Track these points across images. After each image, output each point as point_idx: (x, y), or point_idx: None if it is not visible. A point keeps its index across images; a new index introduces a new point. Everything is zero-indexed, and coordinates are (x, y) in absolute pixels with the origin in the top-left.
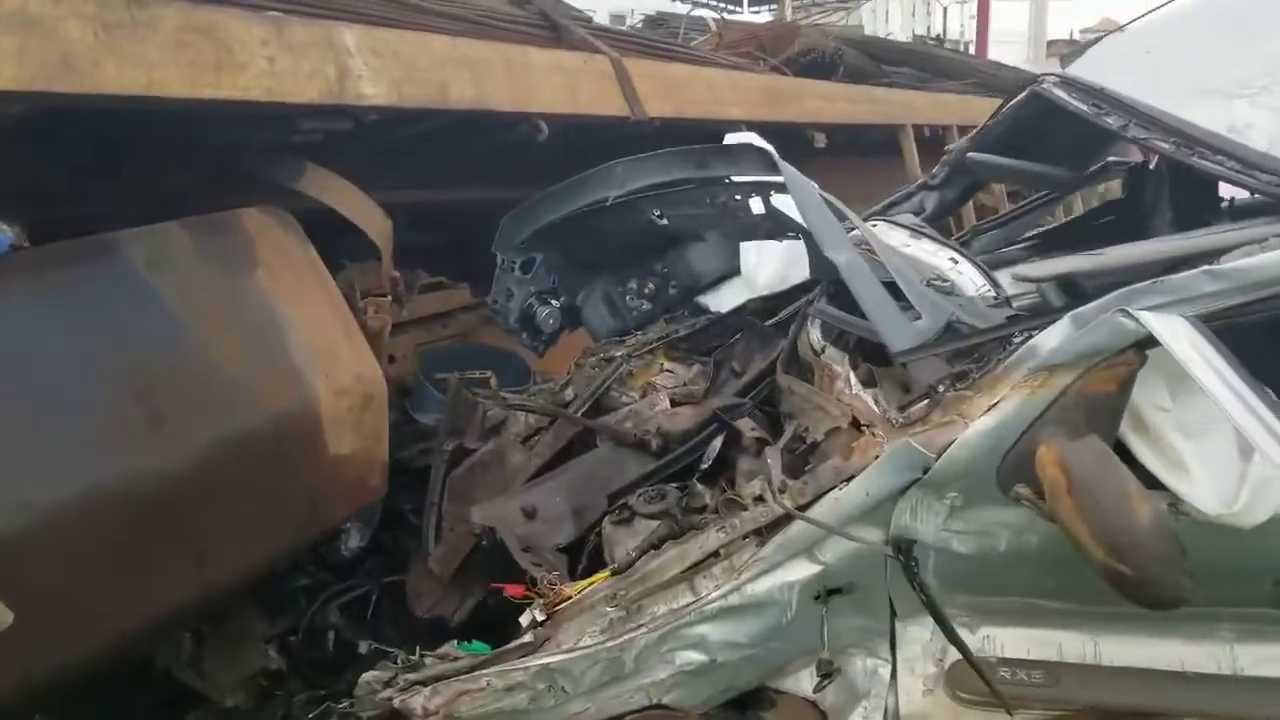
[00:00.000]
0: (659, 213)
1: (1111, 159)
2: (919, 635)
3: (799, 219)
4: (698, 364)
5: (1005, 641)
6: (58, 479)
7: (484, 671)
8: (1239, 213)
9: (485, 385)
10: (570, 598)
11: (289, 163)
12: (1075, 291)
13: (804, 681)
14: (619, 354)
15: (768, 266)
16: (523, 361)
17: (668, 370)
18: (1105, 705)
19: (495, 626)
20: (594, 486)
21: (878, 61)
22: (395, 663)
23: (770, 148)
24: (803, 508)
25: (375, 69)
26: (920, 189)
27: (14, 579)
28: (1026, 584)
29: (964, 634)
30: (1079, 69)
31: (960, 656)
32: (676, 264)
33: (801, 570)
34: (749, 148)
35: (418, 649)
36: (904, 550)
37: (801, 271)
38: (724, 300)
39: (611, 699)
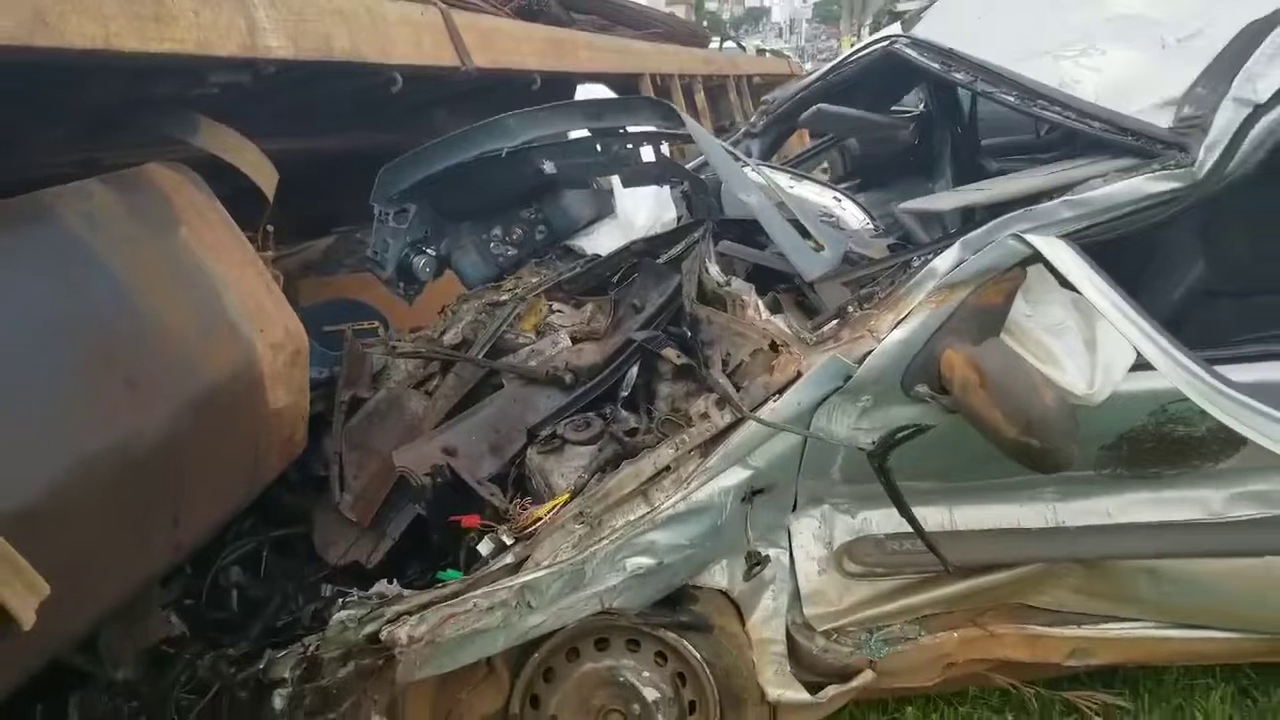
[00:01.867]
0: (548, 163)
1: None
2: (809, 524)
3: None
4: (588, 303)
5: (877, 521)
6: (61, 449)
7: (471, 594)
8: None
9: (374, 335)
10: (539, 519)
11: (185, 117)
12: (968, 220)
13: (717, 575)
14: (504, 298)
15: (644, 210)
16: (376, 310)
17: (557, 310)
18: (967, 562)
19: (406, 565)
20: (509, 423)
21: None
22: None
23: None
24: (739, 421)
25: (275, 21)
26: (744, 136)
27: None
28: (908, 468)
29: (845, 519)
30: (919, 31)
31: (845, 539)
32: (553, 210)
33: (736, 476)
34: (647, 100)
35: (394, 585)
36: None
37: (670, 214)
38: (599, 243)
39: (566, 609)
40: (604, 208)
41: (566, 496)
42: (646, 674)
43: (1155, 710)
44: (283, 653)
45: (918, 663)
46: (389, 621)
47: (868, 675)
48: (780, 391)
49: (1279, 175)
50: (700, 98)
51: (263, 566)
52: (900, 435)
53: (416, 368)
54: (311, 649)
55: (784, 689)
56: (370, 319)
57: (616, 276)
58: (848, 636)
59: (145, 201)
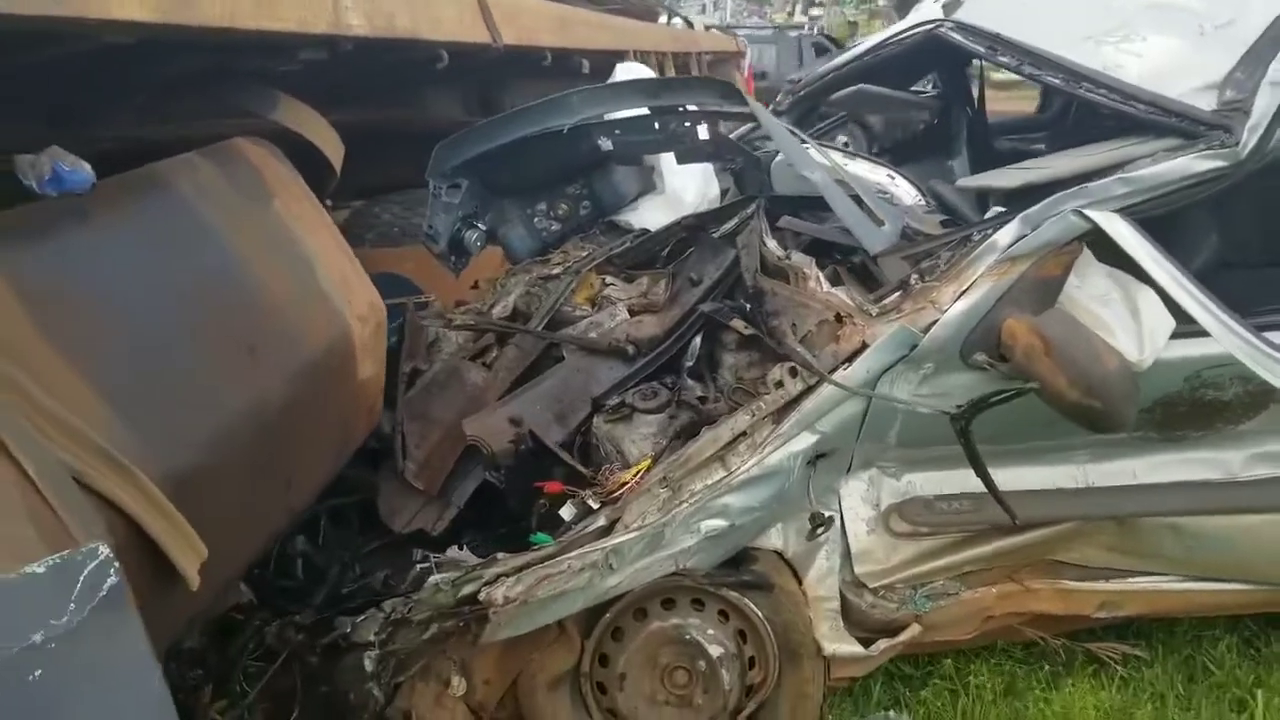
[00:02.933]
0: (605, 139)
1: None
2: (858, 487)
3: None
4: (641, 277)
5: (921, 483)
6: (207, 414)
7: (567, 555)
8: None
9: (426, 308)
10: (625, 484)
11: (265, 92)
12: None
13: (773, 537)
14: (556, 272)
15: (692, 186)
16: (414, 283)
17: (610, 284)
18: (998, 522)
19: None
20: (572, 393)
21: None
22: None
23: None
24: (811, 388)
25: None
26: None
27: (187, 514)
28: (948, 435)
29: (892, 481)
30: (962, 16)
31: (891, 501)
32: (602, 185)
33: (805, 441)
34: (708, 80)
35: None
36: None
37: (715, 190)
38: (645, 218)
39: (642, 570)
40: (647, 184)
41: (649, 461)
42: (711, 631)
43: (1168, 659)
44: (363, 617)
45: (958, 616)
46: (487, 583)
47: (915, 629)
48: (849, 360)
49: None
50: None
51: (320, 536)
52: (993, 400)
53: (467, 340)
54: (397, 612)
55: (839, 643)
56: (409, 293)
57: (666, 250)
58: (894, 593)
59: (241, 174)
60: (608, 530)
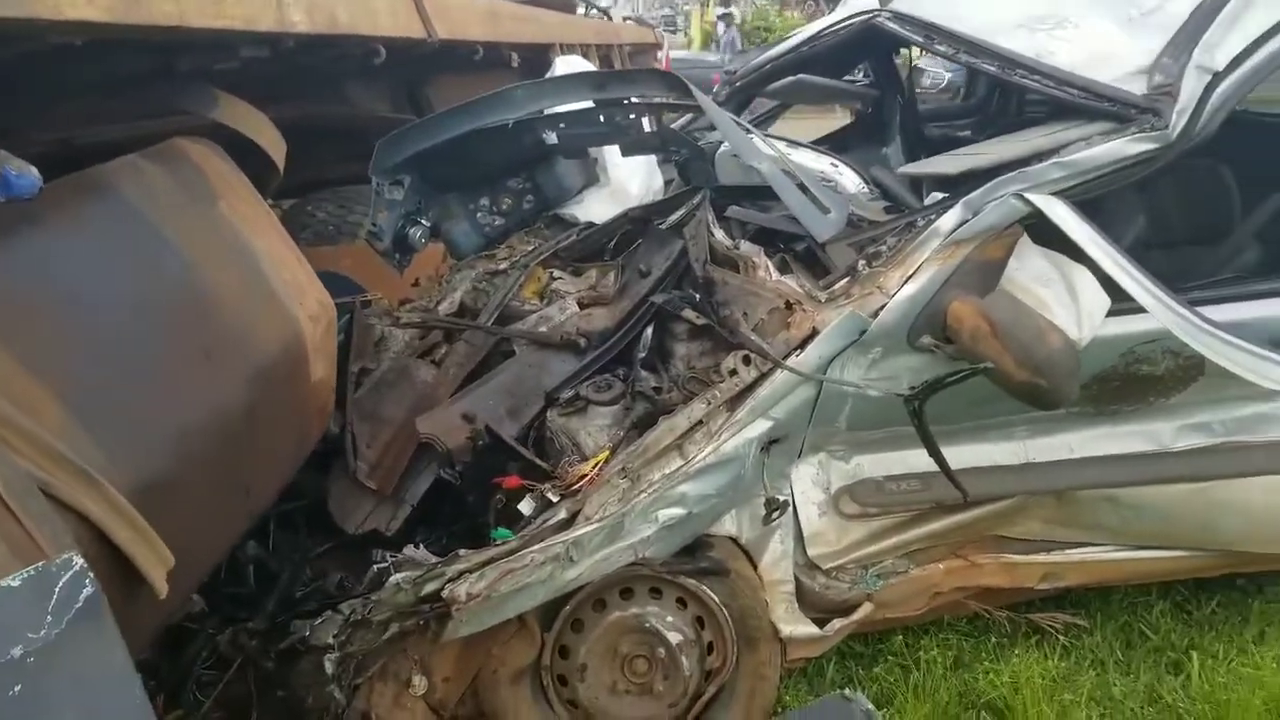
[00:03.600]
0: (550, 133)
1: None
2: (808, 471)
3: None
4: (588, 269)
5: (868, 465)
6: (168, 421)
7: (529, 549)
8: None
9: (370, 306)
10: (585, 475)
11: (204, 92)
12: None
13: (727, 524)
14: (503, 267)
15: (637, 178)
16: (354, 282)
17: (558, 277)
18: (945, 500)
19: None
20: (524, 387)
21: None
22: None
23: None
24: (765, 375)
25: None
26: None
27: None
28: (903, 414)
29: (840, 464)
30: (898, 5)
31: (841, 483)
32: (546, 179)
33: (760, 427)
34: (653, 72)
35: (421, 550)
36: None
37: (659, 181)
38: (591, 211)
39: (601, 561)
40: (591, 176)
41: (607, 453)
42: (669, 619)
43: (1106, 626)
44: (320, 620)
45: (908, 594)
46: (450, 580)
47: (868, 607)
48: (801, 346)
49: None
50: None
51: (270, 541)
52: (948, 381)
53: (414, 337)
54: (357, 613)
55: (795, 625)
56: (350, 291)
57: (613, 243)
58: (845, 573)
59: (185, 175)
60: (569, 523)
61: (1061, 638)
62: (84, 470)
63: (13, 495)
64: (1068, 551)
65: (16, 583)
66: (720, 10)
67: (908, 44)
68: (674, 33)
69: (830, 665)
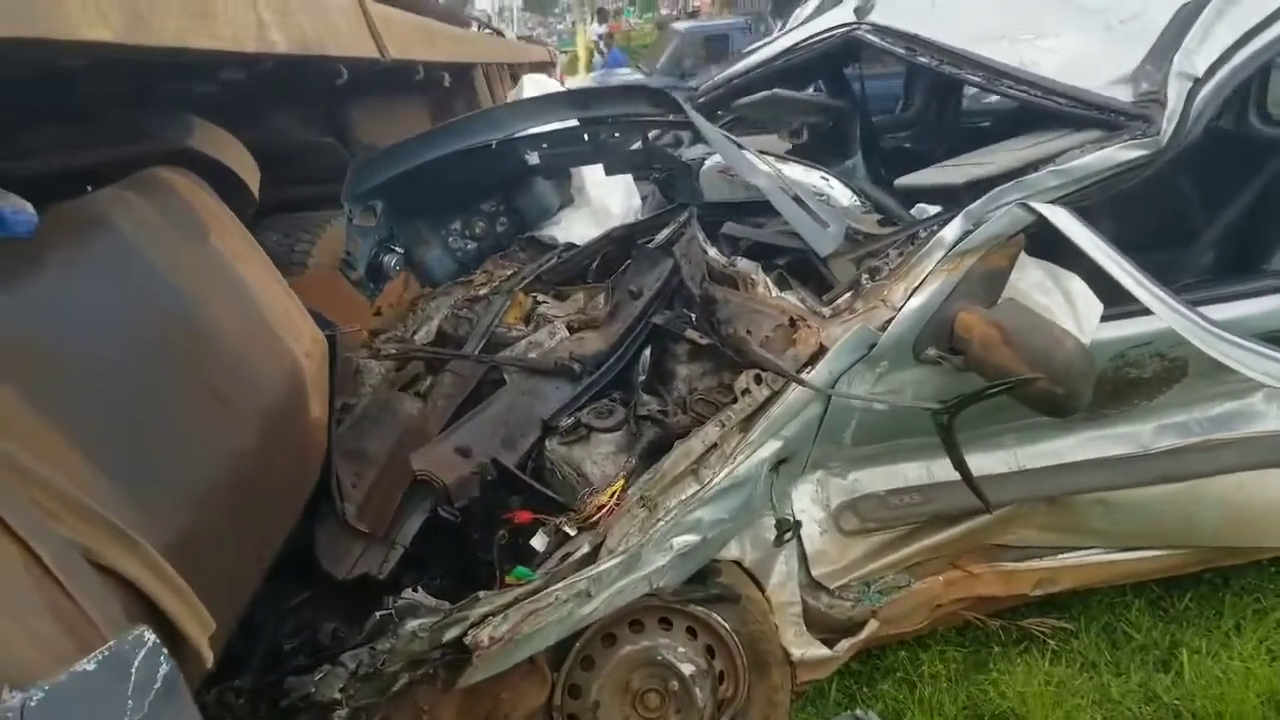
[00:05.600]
0: (533, 153)
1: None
2: (808, 489)
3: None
4: (574, 292)
5: (866, 480)
6: (190, 470)
7: (553, 587)
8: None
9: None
10: (603, 506)
11: (180, 118)
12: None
13: (731, 548)
14: (483, 292)
15: (617, 197)
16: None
17: (543, 301)
18: (947, 511)
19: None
20: (519, 417)
21: None
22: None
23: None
24: (776, 394)
25: (272, 14)
26: None
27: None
28: (906, 426)
29: (838, 480)
30: (877, 18)
31: (840, 499)
32: (526, 200)
33: (771, 448)
34: (640, 89)
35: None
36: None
37: (637, 200)
38: (571, 232)
39: (617, 594)
40: (565, 197)
41: (623, 482)
42: (681, 650)
43: (1091, 628)
44: (320, 674)
45: (911, 608)
46: (473, 625)
47: (874, 625)
48: (809, 363)
49: None
50: (509, 86)
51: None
52: (985, 395)
53: (390, 370)
54: (365, 664)
55: (805, 647)
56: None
57: (595, 264)
58: (849, 591)
59: (173, 209)
60: (592, 556)
61: (1051, 642)
62: (122, 530)
63: (58, 565)
64: (1060, 556)
65: (91, 666)
66: (598, 30)
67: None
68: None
69: (832, 686)
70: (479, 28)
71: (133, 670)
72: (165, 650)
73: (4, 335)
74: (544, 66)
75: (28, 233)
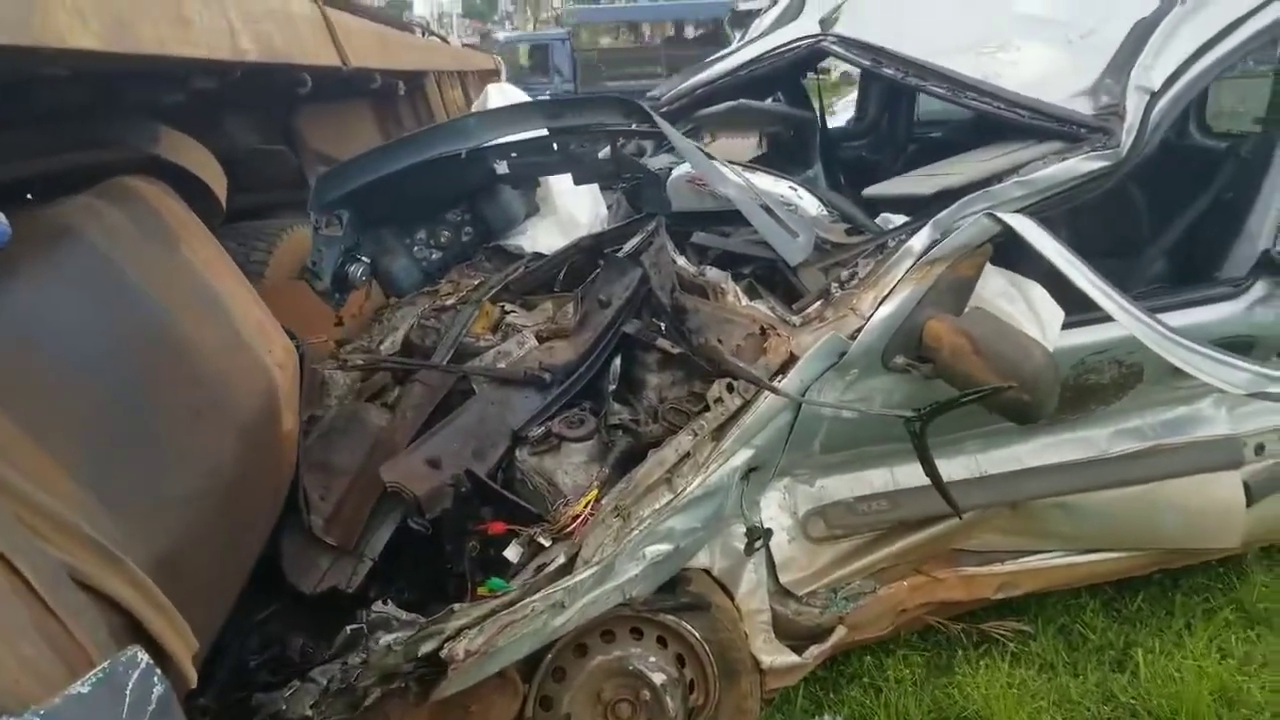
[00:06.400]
0: (501, 163)
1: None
2: (775, 497)
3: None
4: (542, 301)
5: (830, 487)
6: (170, 486)
7: (531, 599)
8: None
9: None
10: (578, 516)
11: (147, 125)
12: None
13: (700, 556)
14: (449, 302)
15: (584, 207)
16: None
17: (511, 310)
18: (913, 517)
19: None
20: (489, 427)
21: None
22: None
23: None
24: (749, 403)
25: (243, 22)
26: None
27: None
28: (872, 433)
29: (805, 488)
30: (841, 30)
31: (808, 507)
32: (492, 210)
33: (743, 456)
34: (611, 99)
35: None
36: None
37: (604, 209)
38: (538, 241)
39: (591, 604)
40: (531, 206)
41: (596, 492)
42: (652, 659)
43: (1048, 629)
44: (290, 690)
45: (877, 614)
46: (449, 639)
47: (841, 631)
48: (781, 371)
49: None
50: (459, 93)
51: None
52: (961, 402)
53: (355, 380)
54: (337, 680)
55: (775, 654)
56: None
57: (562, 273)
58: (816, 598)
59: (143, 218)
60: (568, 567)
61: (1010, 645)
62: (107, 549)
63: (45, 586)
64: (1021, 560)
65: (86, 689)
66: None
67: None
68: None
69: (798, 693)
70: (423, 34)
71: (127, 691)
72: (159, 672)
73: None
74: (491, 74)
75: (2, 244)
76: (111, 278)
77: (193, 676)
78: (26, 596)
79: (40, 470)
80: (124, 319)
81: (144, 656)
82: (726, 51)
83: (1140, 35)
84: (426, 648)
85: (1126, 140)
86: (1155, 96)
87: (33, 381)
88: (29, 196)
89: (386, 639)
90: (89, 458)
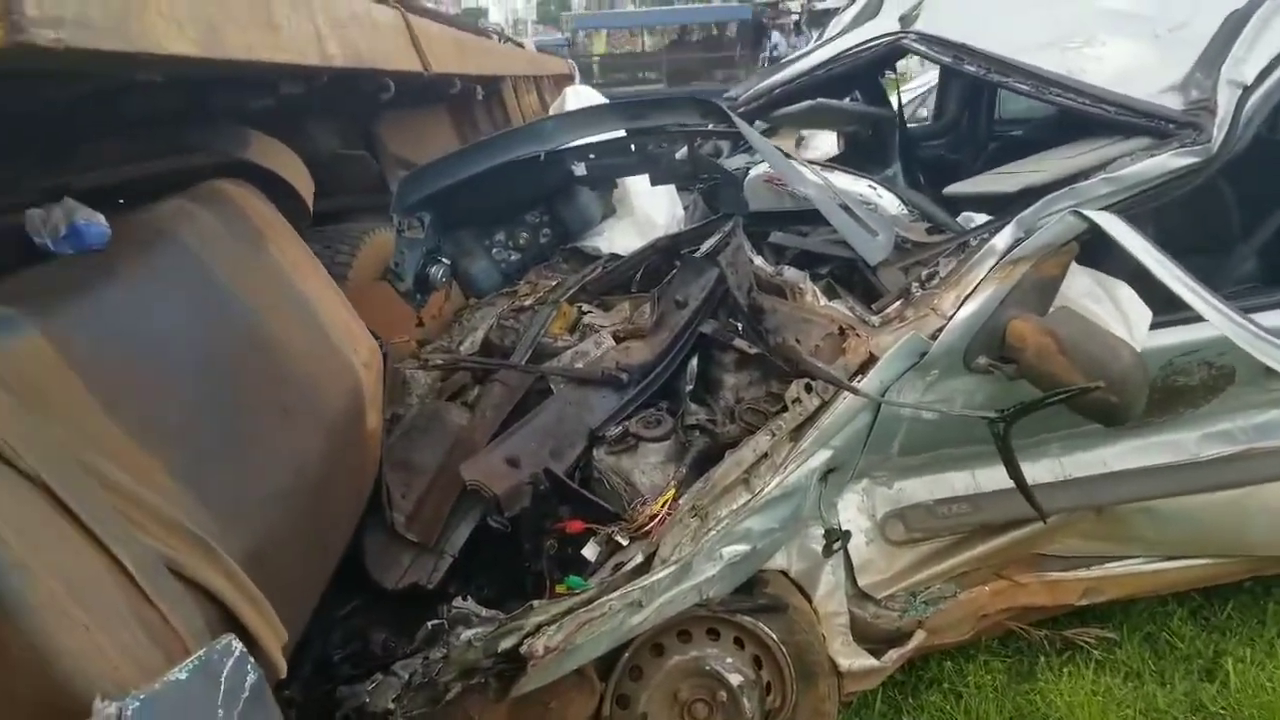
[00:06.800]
0: (579, 164)
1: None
2: (853, 499)
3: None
4: (620, 302)
5: (909, 490)
6: (259, 480)
7: (608, 597)
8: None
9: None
10: (656, 515)
11: (237, 130)
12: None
13: (778, 558)
14: (528, 303)
15: (662, 208)
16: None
17: (588, 311)
18: (995, 521)
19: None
20: (567, 427)
21: None
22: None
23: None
24: (827, 403)
25: (329, 28)
26: None
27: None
28: (952, 435)
29: (884, 490)
30: (921, 27)
31: (886, 509)
32: (570, 211)
33: (821, 457)
34: (689, 99)
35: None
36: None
37: (680, 210)
38: (615, 242)
39: (668, 603)
40: (607, 208)
41: (674, 491)
42: (729, 660)
43: (1134, 637)
44: (373, 684)
45: (957, 618)
46: (528, 635)
47: (921, 635)
48: (860, 371)
49: None
50: (534, 97)
51: None
52: (1046, 403)
53: (436, 380)
54: (419, 674)
55: (853, 658)
56: None
57: (639, 274)
58: (894, 601)
59: (234, 221)
60: (645, 566)
61: (1095, 652)
62: (203, 541)
63: (144, 576)
64: (1106, 566)
65: (184, 675)
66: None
67: (937, 64)
68: None
69: (877, 697)
70: (500, 39)
71: (222, 678)
72: (252, 660)
73: (86, 348)
74: (564, 79)
75: (101, 245)
76: (203, 278)
77: (283, 666)
78: (126, 586)
79: (140, 467)
80: (215, 318)
81: (238, 645)
82: (805, 50)
83: (1233, 28)
84: (506, 643)
85: (1218, 136)
86: (1248, 90)
87: (133, 380)
88: (121, 201)
89: (467, 634)
90: (185, 455)
